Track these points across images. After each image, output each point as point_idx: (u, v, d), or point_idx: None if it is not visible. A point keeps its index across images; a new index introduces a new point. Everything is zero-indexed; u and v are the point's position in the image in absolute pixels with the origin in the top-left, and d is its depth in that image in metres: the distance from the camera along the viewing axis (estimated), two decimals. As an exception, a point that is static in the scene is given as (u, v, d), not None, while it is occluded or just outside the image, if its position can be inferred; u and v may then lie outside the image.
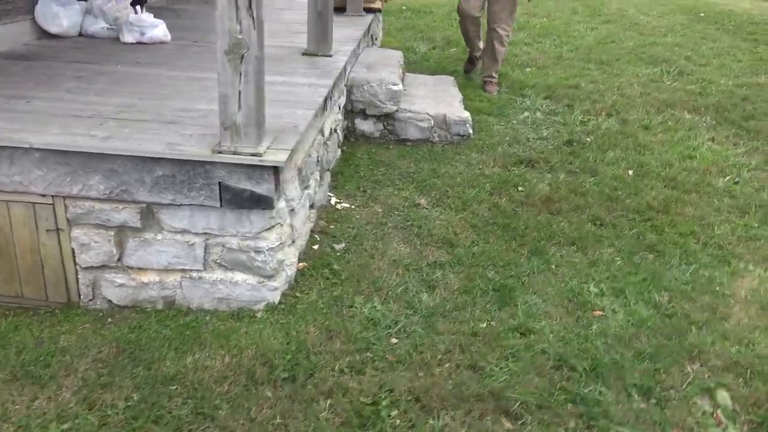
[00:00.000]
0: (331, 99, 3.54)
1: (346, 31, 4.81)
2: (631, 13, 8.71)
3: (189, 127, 2.59)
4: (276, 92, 3.02)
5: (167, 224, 2.44)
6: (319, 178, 3.27)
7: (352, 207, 3.38)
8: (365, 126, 4.35)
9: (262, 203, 2.37)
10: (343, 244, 2.98)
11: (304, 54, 4.05)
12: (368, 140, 4.36)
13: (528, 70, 6.03)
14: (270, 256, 2.44)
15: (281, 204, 2.48)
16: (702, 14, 8.54)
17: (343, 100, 4.17)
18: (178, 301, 2.54)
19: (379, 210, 3.33)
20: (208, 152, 2.33)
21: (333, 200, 3.45)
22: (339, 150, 4.03)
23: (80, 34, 4.18)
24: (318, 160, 3.22)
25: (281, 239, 2.49)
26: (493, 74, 5.32)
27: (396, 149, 4.28)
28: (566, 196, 3.50)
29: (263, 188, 2.34)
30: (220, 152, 2.30)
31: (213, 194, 2.37)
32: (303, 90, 3.29)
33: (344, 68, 4.00)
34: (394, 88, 4.24)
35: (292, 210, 2.66)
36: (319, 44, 4.04)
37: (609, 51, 6.61)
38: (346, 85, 4.23)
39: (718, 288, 2.74)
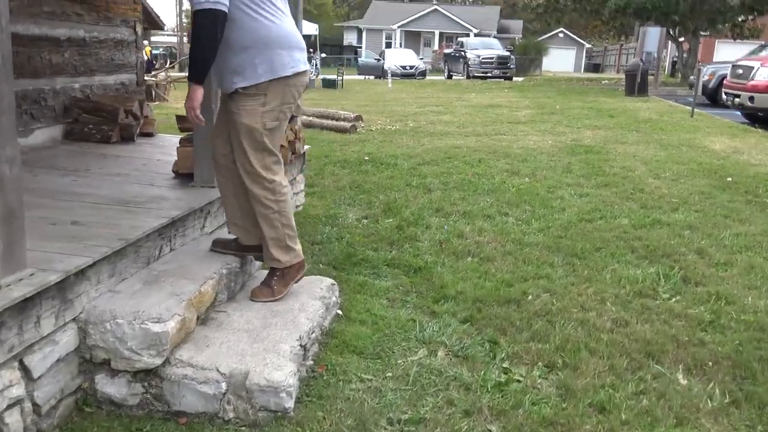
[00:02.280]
0: None
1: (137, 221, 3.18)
2: (638, 174, 6.97)
3: None
4: None
5: None
6: None
7: None
8: (112, 388, 2.56)
9: None
10: None
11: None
12: (117, 412, 2.56)
13: (465, 261, 4.25)
14: None
15: None
16: (729, 179, 6.72)
17: (62, 347, 2.43)
18: None
19: None
20: None
21: None
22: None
23: None
24: None
25: None
26: (273, 262, 3.17)
27: (163, 429, 2.47)
28: None
29: None
30: None
31: None
32: None
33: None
34: (155, 328, 2.49)
35: None
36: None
37: (591, 234, 4.80)
38: (76, 320, 2.51)
39: None
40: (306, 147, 5.59)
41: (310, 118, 11.18)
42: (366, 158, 7.84)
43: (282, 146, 4.70)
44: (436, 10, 48.33)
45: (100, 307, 2.56)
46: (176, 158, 4.07)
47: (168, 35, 43.11)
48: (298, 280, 3.26)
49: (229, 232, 3.31)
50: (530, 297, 3.63)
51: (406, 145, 8.90)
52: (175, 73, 21.66)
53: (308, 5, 58.34)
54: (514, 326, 3.27)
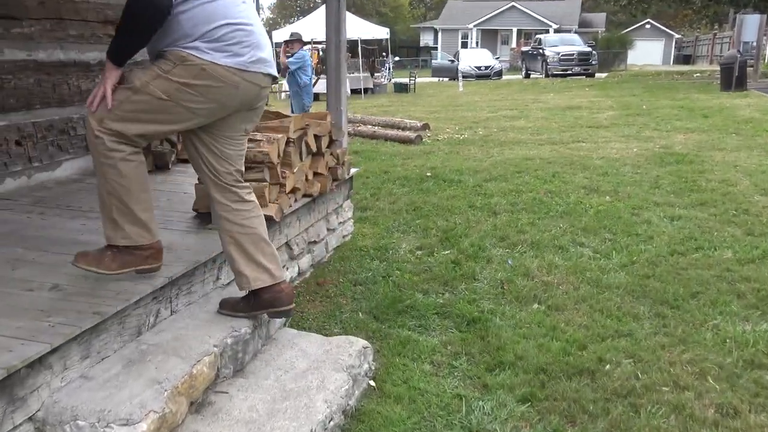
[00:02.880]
0: None
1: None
2: (740, 189, 6.02)
3: None
4: None
5: None
6: None
7: None
8: (75, 502, 2.10)
9: None
10: None
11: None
12: None
13: (530, 310, 3.58)
14: None
15: None
16: None
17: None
18: None
19: None
20: None
21: None
22: None
23: None
24: None
25: None
26: (109, 237, 2.58)
27: None
28: None
29: None
30: None
31: None
32: None
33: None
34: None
35: None
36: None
37: (685, 273, 4.01)
38: (33, 420, 2.06)
39: None
40: (354, 170, 5.05)
41: (374, 129, 10.68)
42: (428, 174, 7.24)
43: (319, 174, 4.20)
44: (513, 6, 46.94)
45: (62, 402, 2.10)
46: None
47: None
48: (148, 272, 2.64)
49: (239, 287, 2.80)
50: (608, 366, 2.93)
51: (473, 157, 8.22)
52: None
53: (383, 7, 58.25)
54: (586, 411, 2.59)
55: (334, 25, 4.71)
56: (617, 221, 5.12)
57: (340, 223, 4.87)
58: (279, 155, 3.60)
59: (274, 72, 2.60)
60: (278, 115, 3.94)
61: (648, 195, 5.92)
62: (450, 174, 7.16)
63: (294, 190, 3.89)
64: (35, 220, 3.55)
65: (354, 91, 20.31)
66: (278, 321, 3.07)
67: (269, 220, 3.50)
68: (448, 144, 9.48)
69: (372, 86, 21.92)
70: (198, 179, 3.52)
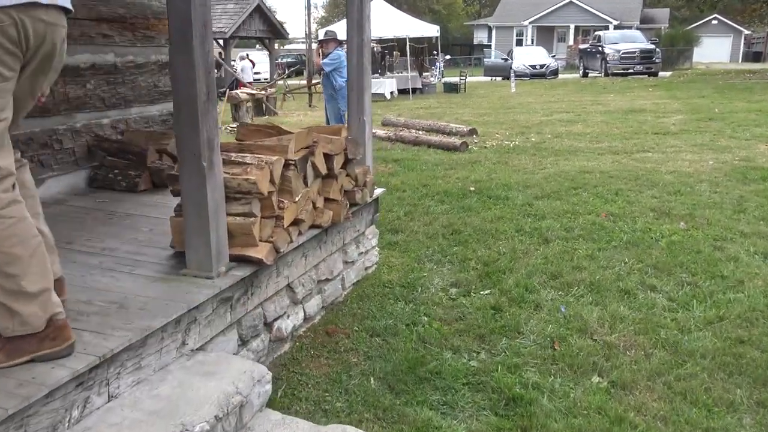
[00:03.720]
0: None
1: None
2: None
3: None
4: None
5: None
6: None
7: None
8: None
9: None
10: None
11: None
12: None
13: (587, 386, 2.78)
14: None
15: None
16: None
17: None
18: None
19: None
20: None
21: None
22: None
23: None
24: None
25: None
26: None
27: None
28: None
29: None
30: None
31: None
32: None
33: None
34: None
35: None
36: None
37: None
38: None
39: None
40: (379, 191, 4.32)
41: (417, 134, 9.93)
42: (472, 189, 6.45)
43: (331, 200, 3.48)
44: (571, 2, 45.24)
45: None
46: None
47: (301, 42, 43.74)
48: (52, 358, 1.96)
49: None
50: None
51: (523, 169, 7.37)
52: (294, 81, 21.34)
53: (436, 5, 57.24)
54: None
55: (357, 22, 3.99)
56: (696, 257, 4.23)
57: (361, 253, 4.16)
58: (275, 182, 2.91)
59: (66, 4, 2.04)
60: (278, 131, 3.24)
61: (732, 222, 4.98)
62: (496, 189, 6.35)
63: (297, 222, 3.19)
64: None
65: (401, 92, 19.58)
66: (256, 403, 2.37)
67: (258, 263, 2.82)
68: (497, 152, 8.64)
69: (420, 86, 21.13)
70: (175, 208, 2.87)
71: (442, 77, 25.54)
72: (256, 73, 24.76)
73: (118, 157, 4.26)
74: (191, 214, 2.68)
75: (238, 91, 13.58)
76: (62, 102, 4.09)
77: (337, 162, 3.49)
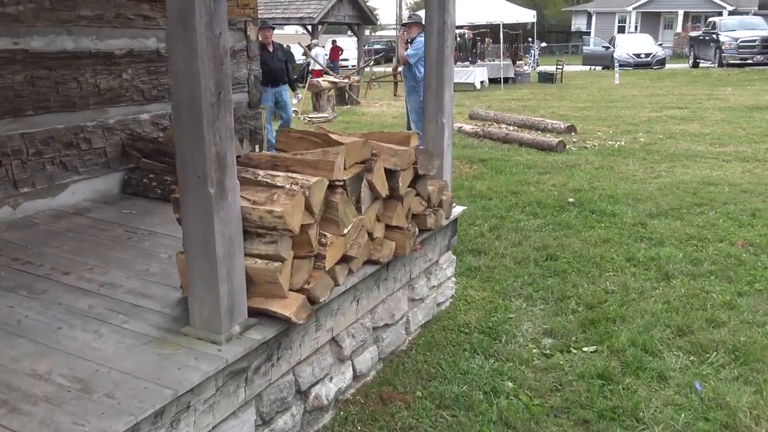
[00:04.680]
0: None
1: None
2: None
3: None
4: None
5: None
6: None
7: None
8: None
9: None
10: None
11: None
12: None
13: None
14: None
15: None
16: None
17: None
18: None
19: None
20: None
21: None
22: None
23: None
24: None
25: None
26: None
27: None
28: None
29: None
30: None
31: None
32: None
33: None
34: None
35: None
36: None
37: None
38: None
39: None
40: (458, 210, 3.51)
41: (508, 130, 8.97)
42: (570, 200, 5.50)
43: (394, 227, 2.71)
44: (681, -14, 42.08)
45: None
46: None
47: (392, 28, 43.04)
48: None
49: None
50: None
51: (632, 176, 6.32)
52: (379, 68, 20.64)
53: (532, -10, 54.99)
54: None
55: (438, 0, 3.19)
56: None
57: (433, 287, 3.37)
58: (313, 211, 2.17)
59: None
60: (327, 141, 2.48)
61: None
62: (600, 202, 5.38)
63: (346, 259, 2.45)
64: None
65: (492, 81, 18.46)
66: None
67: (285, 320, 2.09)
68: (599, 154, 7.58)
69: (513, 75, 19.91)
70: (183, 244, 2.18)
71: (537, 66, 24.12)
72: (343, 59, 24.25)
73: (154, 159, 3.66)
74: (194, 256, 1.98)
75: (320, 79, 13.03)
76: (91, 94, 3.52)
77: (404, 180, 2.71)
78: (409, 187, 2.78)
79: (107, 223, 3.20)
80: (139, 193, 3.65)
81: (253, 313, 2.11)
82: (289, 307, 2.10)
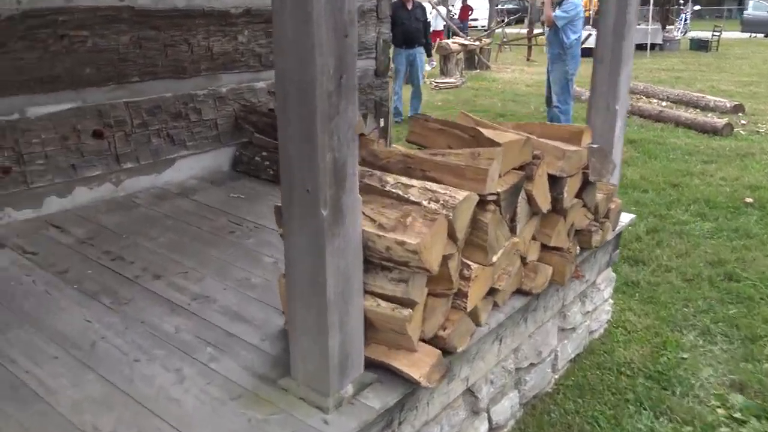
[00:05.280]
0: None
1: None
2: None
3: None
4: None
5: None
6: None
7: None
8: None
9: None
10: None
11: None
12: None
13: None
14: None
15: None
16: None
17: None
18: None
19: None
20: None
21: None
22: None
23: None
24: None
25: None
26: None
27: None
28: None
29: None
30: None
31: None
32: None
33: None
34: None
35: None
36: None
37: None
38: None
39: None
40: (627, 219, 2.82)
41: (660, 107, 7.88)
42: (748, 199, 4.57)
43: (554, 248, 2.10)
44: None
45: None
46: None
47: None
48: None
49: None
50: None
51: (825, 173, 5.22)
52: (512, 30, 19.41)
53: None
54: None
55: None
56: None
57: (587, 313, 2.73)
58: (456, 237, 1.60)
59: None
60: (475, 138, 1.88)
61: None
62: (784, 204, 4.42)
63: (491, 292, 1.88)
64: (18, 292, 2.06)
65: (638, 47, 16.79)
66: None
67: (412, 382, 1.57)
68: (777, 141, 6.41)
69: (661, 41, 18.03)
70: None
71: (688, 31, 21.83)
72: (473, 20, 23.15)
73: (268, 134, 3.23)
74: (298, 296, 1.49)
75: (449, 41, 12.29)
76: (203, 59, 3.12)
77: (570, 188, 2.08)
78: (575, 197, 2.15)
79: (211, 209, 2.81)
80: (249, 172, 3.25)
81: (370, 363, 1.60)
82: (419, 365, 1.57)
